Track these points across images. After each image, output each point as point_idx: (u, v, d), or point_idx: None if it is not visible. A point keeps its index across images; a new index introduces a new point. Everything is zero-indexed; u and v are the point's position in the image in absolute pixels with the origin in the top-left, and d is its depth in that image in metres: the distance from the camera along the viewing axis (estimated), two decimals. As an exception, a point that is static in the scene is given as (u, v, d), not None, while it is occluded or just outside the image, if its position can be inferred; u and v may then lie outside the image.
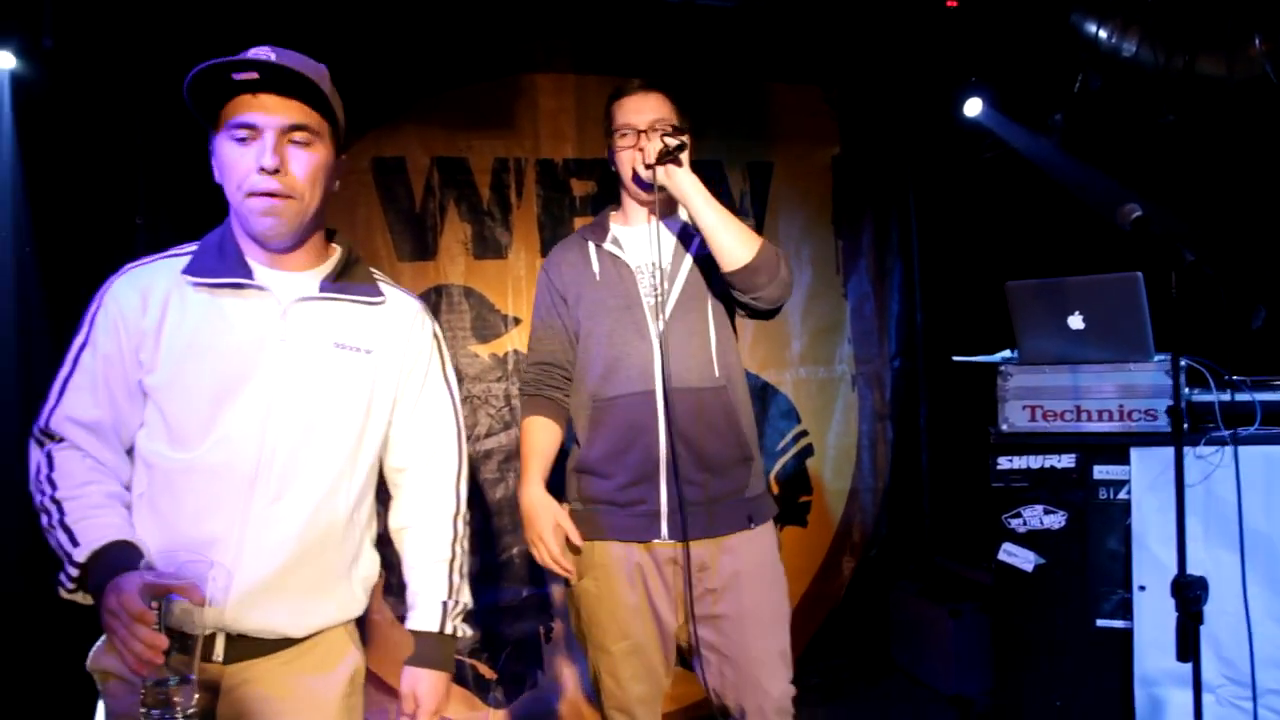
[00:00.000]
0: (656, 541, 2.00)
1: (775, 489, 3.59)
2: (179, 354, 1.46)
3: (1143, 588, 2.36)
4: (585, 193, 3.36)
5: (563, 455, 2.15)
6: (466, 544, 1.68)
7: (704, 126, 3.47)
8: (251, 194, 1.44)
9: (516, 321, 3.31)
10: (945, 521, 3.79)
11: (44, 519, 1.42)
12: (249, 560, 1.44)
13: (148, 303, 1.47)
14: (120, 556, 1.37)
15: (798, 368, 3.67)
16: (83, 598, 1.41)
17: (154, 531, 1.44)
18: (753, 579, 2.01)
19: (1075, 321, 2.40)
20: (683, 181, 1.91)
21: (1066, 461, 2.46)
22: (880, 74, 3.64)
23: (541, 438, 2.10)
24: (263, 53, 1.45)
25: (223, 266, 1.49)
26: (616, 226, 2.13)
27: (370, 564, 1.64)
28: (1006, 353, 2.71)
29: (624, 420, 1.99)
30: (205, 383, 1.45)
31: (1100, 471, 2.43)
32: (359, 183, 3.17)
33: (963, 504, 3.64)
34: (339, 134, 1.55)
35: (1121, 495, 2.42)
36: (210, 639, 1.44)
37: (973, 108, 3.44)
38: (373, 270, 1.64)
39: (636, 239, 2.09)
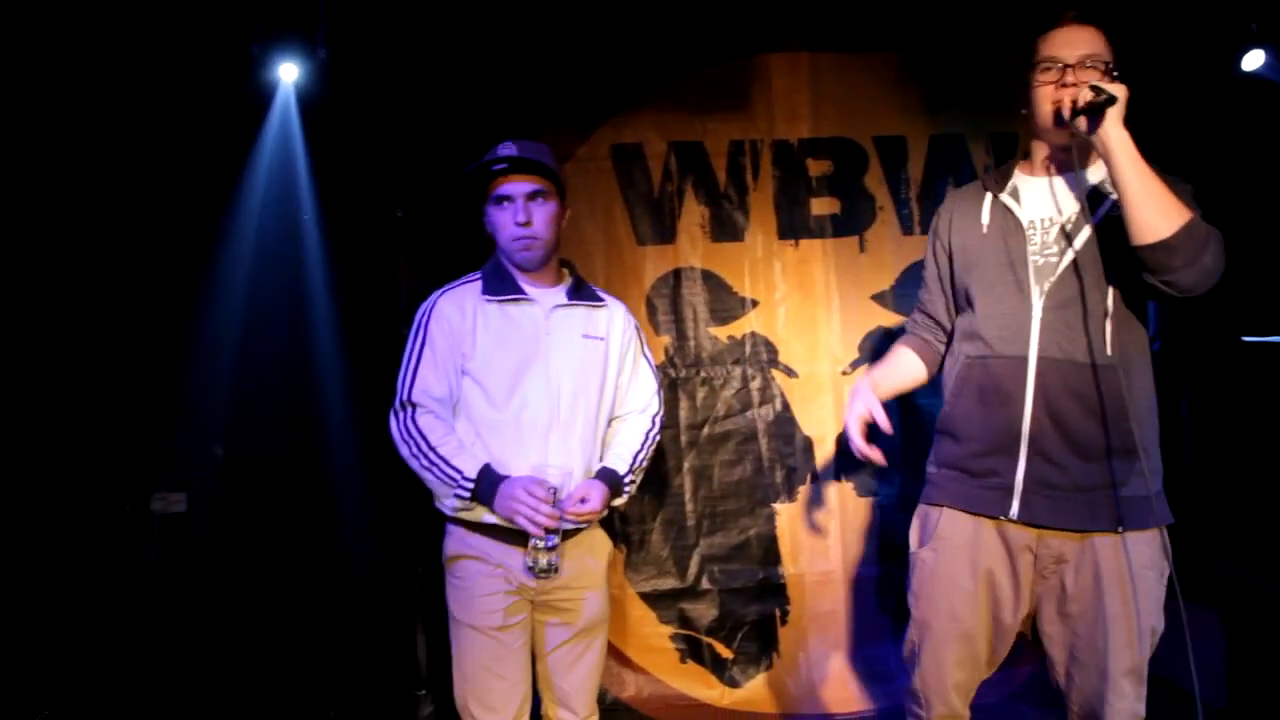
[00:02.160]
0: (1007, 519, 1.88)
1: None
2: (488, 346, 2.19)
3: None
4: (822, 173, 3.31)
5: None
6: (649, 454, 2.34)
7: (944, 100, 3.36)
8: (514, 240, 2.20)
9: (754, 303, 3.32)
10: (1212, 519, 3.48)
11: (418, 463, 2.15)
12: (554, 481, 2.13)
13: (464, 313, 2.21)
14: (496, 471, 2.13)
15: (1044, 349, 3.47)
16: (470, 507, 2.14)
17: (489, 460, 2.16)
18: (1115, 588, 1.83)
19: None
20: (1109, 134, 1.70)
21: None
22: (1137, 35, 3.36)
23: (904, 361, 2.18)
24: (508, 149, 2.17)
25: (505, 288, 2.23)
26: (1020, 176, 1.96)
27: None
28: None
29: (991, 382, 1.88)
30: (506, 363, 2.18)
31: None
32: (599, 170, 3.27)
33: (1234, 500, 3.33)
34: (561, 189, 2.25)
35: None
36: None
37: (1252, 61, 3.13)
38: (592, 285, 2.38)
39: (1037, 191, 1.92)
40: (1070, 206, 1.87)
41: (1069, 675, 1.90)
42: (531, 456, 2.15)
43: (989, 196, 1.97)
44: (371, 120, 3.16)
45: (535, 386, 2.18)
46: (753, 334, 3.32)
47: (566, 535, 2.18)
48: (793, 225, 3.31)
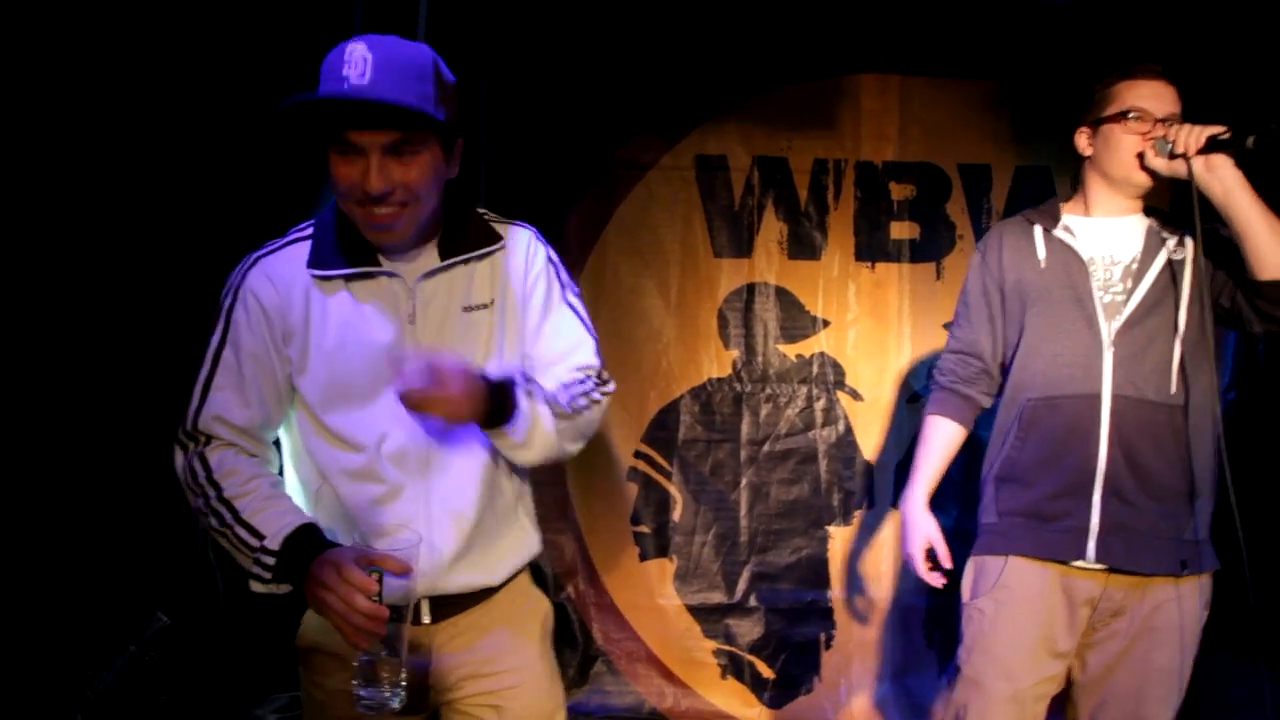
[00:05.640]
0: (1078, 564, 1.84)
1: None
2: (328, 359, 1.46)
3: None
4: (904, 197, 3.28)
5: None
6: (584, 408, 1.53)
7: (1032, 130, 3.32)
8: (363, 216, 1.41)
9: (826, 323, 3.29)
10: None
11: (213, 521, 1.44)
12: (440, 532, 1.49)
13: (290, 297, 1.47)
14: (317, 538, 1.39)
15: (1115, 392, 3.42)
16: (277, 588, 1.41)
17: (340, 521, 1.48)
18: (1165, 639, 1.84)
19: None
20: (1230, 175, 1.74)
21: None
22: (1234, 77, 3.30)
23: (943, 442, 2.04)
24: (354, 77, 1.35)
25: (347, 255, 1.46)
26: (1071, 216, 1.97)
27: (530, 498, 1.68)
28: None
29: (1062, 423, 1.84)
30: (357, 385, 1.46)
31: None
32: (681, 179, 3.26)
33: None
34: (445, 121, 1.42)
35: None
36: (415, 606, 1.47)
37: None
38: (481, 211, 1.59)
39: (1094, 231, 1.92)
40: (1132, 247, 1.89)
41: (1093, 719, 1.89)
42: (397, 508, 1.47)
43: (1039, 230, 1.96)
44: (462, 118, 3.17)
45: (398, 408, 1.38)
46: (821, 354, 3.29)
47: (462, 602, 1.54)
48: (871, 248, 3.29)
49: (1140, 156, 1.85)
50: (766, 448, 3.29)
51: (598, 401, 1.55)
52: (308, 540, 1.38)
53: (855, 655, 3.29)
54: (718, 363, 3.28)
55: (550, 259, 1.61)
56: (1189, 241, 1.87)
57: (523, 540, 1.63)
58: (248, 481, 1.44)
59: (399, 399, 1.33)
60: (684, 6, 3.16)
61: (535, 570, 1.72)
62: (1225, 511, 3.36)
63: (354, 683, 1.32)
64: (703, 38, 3.19)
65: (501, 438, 1.45)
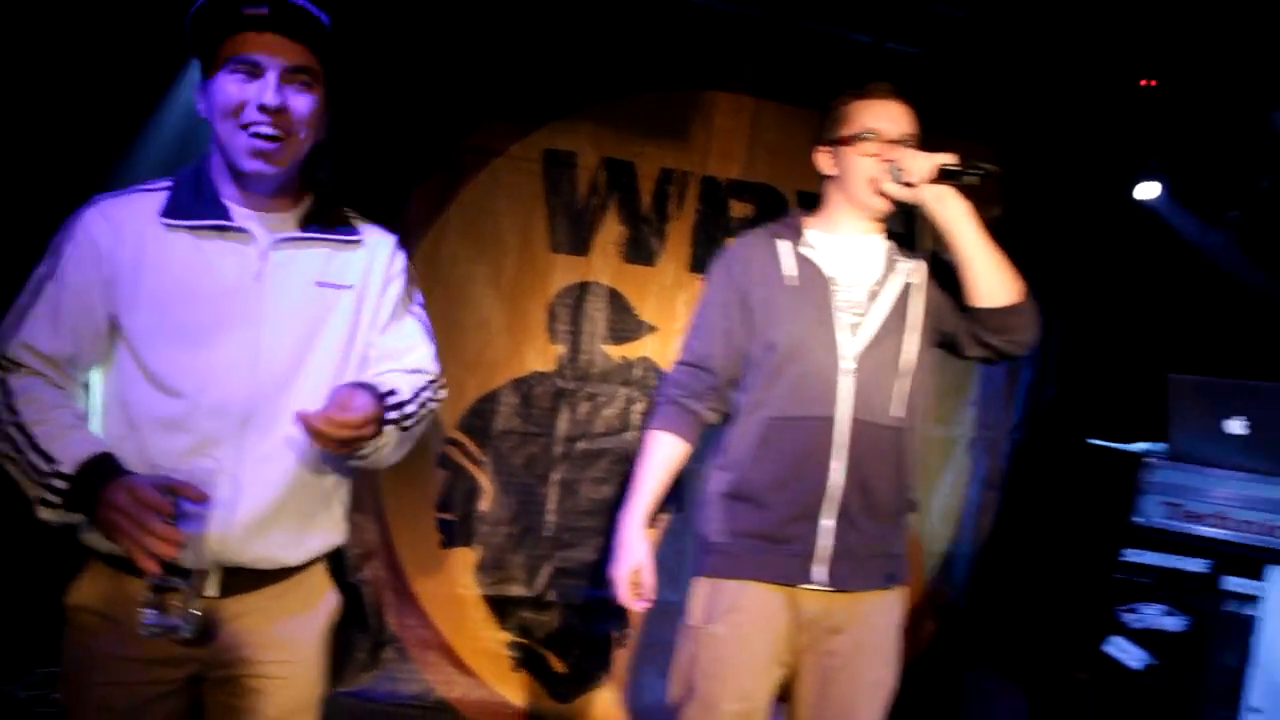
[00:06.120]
0: (805, 587, 1.83)
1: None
2: (161, 298, 1.44)
3: (1258, 710, 2.28)
4: (744, 215, 3.39)
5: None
6: (424, 416, 1.61)
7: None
8: (249, 131, 1.43)
9: (653, 329, 3.36)
10: (1037, 605, 3.69)
11: (5, 447, 1.40)
12: (248, 495, 1.46)
13: (123, 238, 1.45)
14: (113, 464, 1.38)
15: (916, 423, 3.62)
16: (65, 516, 1.39)
17: (144, 471, 1.42)
18: (875, 654, 1.87)
19: (1236, 426, 2.34)
20: (956, 205, 1.77)
21: (1197, 566, 2.40)
22: (1052, 143, 3.59)
23: (666, 459, 1.95)
24: None
25: (200, 207, 1.47)
26: (813, 232, 1.93)
27: (347, 488, 1.66)
28: (1147, 444, 2.64)
29: (799, 444, 1.81)
30: (189, 329, 1.45)
31: (1232, 583, 2.36)
32: (528, 171, 3.27)
33: (1061, 589, 3.54)
34: (335, 83, 1.53)
35: (1249, 611, 2.35)
36: (202, 575, 1.43)
37: (1147, 191, 3.37)
38: (346, 210, 1.63)
39: (837, 249, 1.89)
40: (873, 268, 1.88)
41: None
42: (206, 462, 1.41)
43: (787, 245, 1.91)
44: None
45: (232, 360, 1.45)
46: (645, 359, 3.36)
47: (254, 580, 1.51)
48: (705, 260, 3.33)
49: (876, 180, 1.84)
50: (581, 445, 3.32)
51: (432, 410, 1.63)
52: (105, 468, 1.36)
53: (645, 656, 3.35)
54: (542, 357, 3.30)
55: (407, 268, 1.67)
56: (921, 265, 1.89)
57: (330, 529, 1.61)
58: (49, 410, 1.41)
59: (300, 421, 1.37)
60: (553, 3, 3.17)
61: (334, 555, 1.67)
62: (997, 546, 3.67)
63: (145, 611, 1.32)
64: (565, 35, 3.20)
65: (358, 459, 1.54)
